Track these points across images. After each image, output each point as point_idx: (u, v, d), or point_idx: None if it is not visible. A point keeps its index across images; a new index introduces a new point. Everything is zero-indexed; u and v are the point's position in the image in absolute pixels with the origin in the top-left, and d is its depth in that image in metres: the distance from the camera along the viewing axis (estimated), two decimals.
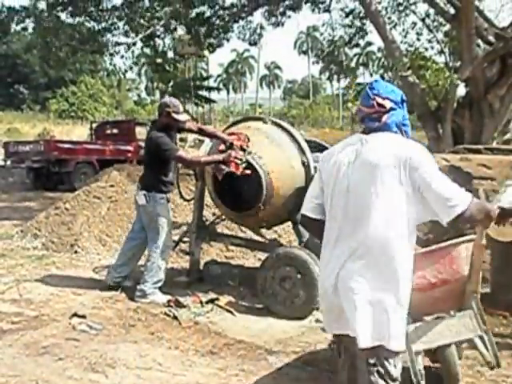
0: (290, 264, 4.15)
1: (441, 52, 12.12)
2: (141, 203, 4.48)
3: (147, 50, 19.13)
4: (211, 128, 6.02)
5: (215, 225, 5.45)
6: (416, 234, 2.03)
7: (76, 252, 6.00)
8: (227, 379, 3.07)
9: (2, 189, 13.74)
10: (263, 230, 5.32)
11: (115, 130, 15.53)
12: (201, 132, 4.83)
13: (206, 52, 20.47)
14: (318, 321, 4.07)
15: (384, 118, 2.06)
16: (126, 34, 12.74)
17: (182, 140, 11.92)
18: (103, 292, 4.55)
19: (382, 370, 1.89)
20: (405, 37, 11.91)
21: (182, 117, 4.51)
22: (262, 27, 14.14)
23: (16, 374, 3.01)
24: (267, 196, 4.31)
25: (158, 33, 13.23)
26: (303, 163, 4.47)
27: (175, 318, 4.00)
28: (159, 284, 4.45)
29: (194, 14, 12.36)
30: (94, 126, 16.77)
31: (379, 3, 11.48)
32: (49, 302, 4.31)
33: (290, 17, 13.49)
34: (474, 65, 9.06)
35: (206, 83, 32.48)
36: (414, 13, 12.04)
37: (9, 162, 14.54)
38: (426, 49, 11.73)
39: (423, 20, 11.92)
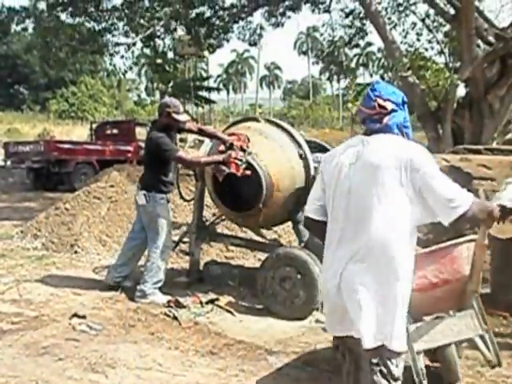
0: (290, 264, 4.15)
1: (441, 52, 12.12)
2: (141, 203, 4.48)
3: (147, 51, 19.15)
4: (211, 128, 6.01)
5: (215, 225, 5.46)
6: (417, 235, 2.04)
7: (76, 252, 6.00)
8: (227, 379, 3.07)
9: (2, 189, 13.74)
10: (263, 231, 5.33)
11: (115, 131, 15.54)
12: (201, 132, 4.84)
13: (205, 52, 20.47)
14: (318, 321, 4.07)
15: (385, 120, 2.06)
16: (125, 35, 12.76)
17: (181, 140, 11.91)
18: (103, 292, 4.55)
19: (384, 370, 1.90)
20: (405, 37, 11.91)
21: (182, 117, 4.51)
22: (261, 28, 14.15)
23: (16, 375, 3.01)
24: (267, 196, 4.31)
25: (158, 33, 13.24)
26: (300, 156, 4.46)
27: (175, 318, 4.00)
28: (159, 284, 4.45)
29: (193, 15, 12.36)
30: (94, 126, 16.78)
31: (379, 4, 11.49)
32: (49, 303, 4.31)
33: (289, 17, 13.51)
34: (474, 65, 9.06)
35: (205, 83, 32.50)
36: (414, 13, 12.05)
37: (9, 163, 14.56)
38: (426, 49, 11.74)
39: (423, 20, 11.92)
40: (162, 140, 4.34)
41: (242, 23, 13.38)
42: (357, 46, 14.68)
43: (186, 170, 5.85)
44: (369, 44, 42.98)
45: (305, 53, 67.32)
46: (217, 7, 12.38)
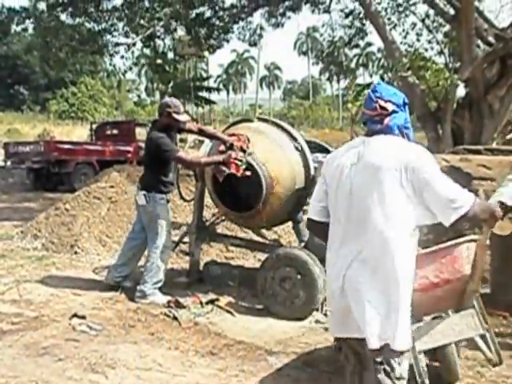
0: (290, 265, 4.15)
1: (440, 53, 12.13)
2: (141, 203, 4.48)
3: (147, 51, 19.16)
4: (211, 129, 6.02)
5: (215, 225, 5.46)
6: (418, 235, 2.04)
7: (76, 253, 6.00)
8: (227, 380, 3.07)
9: (2, 189, 13.74)
10: (264, 231, 5.33)
11: (115, 131, 15.54)
12: (201, 133, 4.84)
13: (205, 53, 20.48)
14: (318, 321, 4.07)
15: (386, 121, 2.08)
16: (125, 35, 12.77)
17: (181, 141, 11.92)
18: (103, 293, 4.55)
19: (388, 369, 1.91)
20: (405, 37, 11.92)
21: (183, 117, 4.51)
22: (261, 28, 14.18)
23: (16, 375, 3.01)
24: (267, 196, 4.31)
25: (158, 33, 13.26)
26: (296, 148, 4.46)
27: (175, 318, 4.00)
28: (159, 284, 4.45)
29: (193, 15, 12.37)
30: (94, 126, 16.79)
31: (379, 4, 11.50)
32: (49, 303, 4.31)
33: (289, 17, 13.53)
34: (474, 65, 9.06)
35: (205, 83, 32.50)
36: (414, 13, 12.05)
37: (9, 163, 14.56)
38: (426, 49, 11.75)
39: (423, 21, 11.93)
40: (163, 140, 4.34)
41: (242, 23, 13.41)
42: (357, 46, 14.70)
43: (186, 170, 5.85)
44: (369, 44, 43.03)
45: (305, 53, 67.35)
46: (217, 7, 12.39)
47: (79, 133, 27.75)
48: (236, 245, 5.31)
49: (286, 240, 6.27)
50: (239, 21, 13.10)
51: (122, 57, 13.28)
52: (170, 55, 21.66)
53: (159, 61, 22.39)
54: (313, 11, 13.01)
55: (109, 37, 12.78)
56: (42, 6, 12.37)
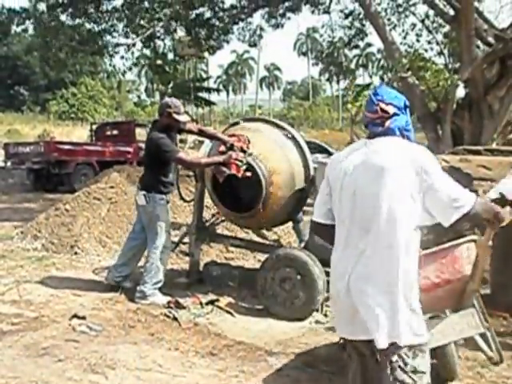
0: (290, 265, 4.15)
1: (440, 53, 12.15)
2: (140, 204, 4.48)
3: (147, 52, 19.17)
4: (211, 129, 6.02)
5: (215, 226, 5.46)
6: (420, 235, 2.05)
7: (76, 253, 5.99)
8: (227, 380, 3.07)
9: (2, 190, 13.74)
10: (264, 231, 5.33)
11: (115, 132, 15.55)
12: (201, 133, 4.84)
13: (205, 53, 20.50)
14: (317, 322, 4.07)
15: (387, 123, 2.10)
16: (125, 35, 12.79)
17: (181, 141, 11.94)
18: (103, 293, 4.55)
19: (402, 365, 1.93)
20: (404, 38, 11.94)
21: (183, 117, 4.51)
22: (261, 29, 14.19)
23: (16, 376, 3.01)
24: (267, 197, 4.31)
25: (158, 34, 13.27)
26: (287, 137, 4.47)
27: (175, 319, 4.00)
28: (159, 285, 4.45)
29: (193, 16, 12.39)
30: (94, 127, 16.80)
31: (379, 4, 11.53)
32: (49, 303, 4.31)
33: (289, 18, 13.56)
34: (474, 66, 9.08)
35: (205, 84, 32.53)
36: (414, 14, 12.08)
37: (9, 164, 14.56)
38: (426, 50, 11.77)
39: (423, 21, 11.95)
40: (163, 141, 4.34)
41: (241, 24, 13.44)
42: (356, 46, 14.74)
43: (186, 170, 5.85)
44: (368, 45, 43.12)
45: (304, 54, 67.39)
46: (217, 8, 12.40)
47: (79, 133, 27.76)
48: (236, 245, 5.31)
49: (286, 240, 6.27)
50: (239, 21, 13.12)
51: (122, 57, 13.31)
52: (170, 56, 21.67)
53: (159, 61, 22.42)
54: (312, 12, 13.04)
55: (109, 37, 12.83)
56: (42, 6, 12.41)
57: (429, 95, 10.23)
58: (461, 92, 10.69)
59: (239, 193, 4.71)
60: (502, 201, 2.27)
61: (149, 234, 4.50)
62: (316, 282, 4.05)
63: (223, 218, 5.34)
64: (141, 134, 13.99)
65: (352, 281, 1.99)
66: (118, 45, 13.08)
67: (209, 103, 30.52)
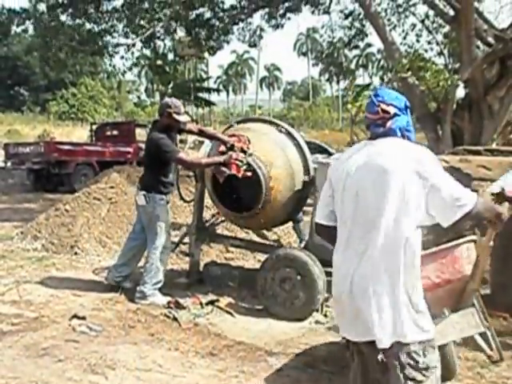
0: (290, 265, 4.15)
1: (440, 53, 12.16)
2: (140, 204, 4.48)
3: (147, 52, 19.19)
4: (211, 130, 6.01)
5: (215, 226, 5.46)
6: (421, 235, 2.06)
7: (76, 253, 6.00)
8: (227, 381, 3.07)
9: (2, 190, 13.75)
10: (264, 231, 5.33)
11: (115, 132, 15.55)
12: (201, 133, 4.84)
13: (205, 54, 20.51)
14: (317, 322, 4.07)
15: (388, 124, 2.11)
16: (125, 36, 12.79)
17: (181, 141, 11.94)
18: (103, 293, 4.55)
19: (411, 362, 1.93)
20: (404, 38, 11.96)
21: (183, 118, 4.51)
22: (261, 29, 14.19)
23: (16, 376, 3.01)
24: (267, 197, 4.31)
25: (158, 34, 13.27)
26: (280, 131, 4.48)
27: (175, 319, 4.00)
28: (159, 285, 4.45)
29: (193, 16, 12.39)
30: (94, 127, 16.79)
31: (379, 5, 11.53)
32: (49, 304, 4.31)
33: (289, 19, 13.55)
34: (474, 66, 9.08)
35: (205, 84, 32.53)
36: (414, 14, 12.09)
37: (9, 164, 14.56)
38: (426, 50, 11.79)
39: (423, 21, 11.96)
40: (163, 141, 4.34)
41: (241, 24, 13.44)
42: (356, 47, 14.75)
43: (186, 171, 5.85)
44: (368, 45, 43.12)
45: (304, 54, 67.39)
46: (217, 9, 12.41)
47: (79, 134, 27.76)
48: (236, 245, 5.31)
49: (286, 240, 6.27)
50: (239, 22, 13.12)
51: (122, 57, 13.31)
52: (170, 56, 21.67)
53: (159, 62, 22.43)
54: (313, 12, 13.04)
55: (109, 37, 12.82)
56: (42, 7, 12.42)
57: (429, 95, 10.24)
58: (461, 92, 10.71)
59: (239, 193, 4.72)
60: (500, 197, 2.28)
61: (149, 234, 4.50)
62: (316, 282, 4.05)
63: (223, 218, 5.35)
64: (141, 134, 14.00)
65: (355, 282, 1.99)
66: (117, 45, 13.09)
67: (209, 103, 30.52)
